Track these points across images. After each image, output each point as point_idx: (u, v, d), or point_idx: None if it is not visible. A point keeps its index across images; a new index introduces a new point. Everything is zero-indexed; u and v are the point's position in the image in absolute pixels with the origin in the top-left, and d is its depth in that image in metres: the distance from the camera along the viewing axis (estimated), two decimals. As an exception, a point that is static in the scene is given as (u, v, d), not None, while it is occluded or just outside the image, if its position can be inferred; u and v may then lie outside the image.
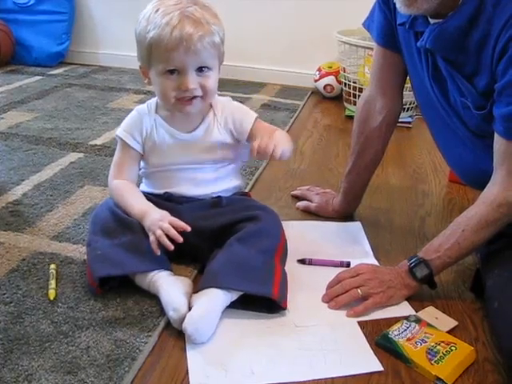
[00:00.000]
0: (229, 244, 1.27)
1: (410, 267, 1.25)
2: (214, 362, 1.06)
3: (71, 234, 1.47)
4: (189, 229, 1.22)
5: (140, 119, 1.36)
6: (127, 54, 3.22)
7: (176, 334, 1.12)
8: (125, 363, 1.03)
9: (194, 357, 1.07)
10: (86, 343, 1.08)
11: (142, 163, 1.41)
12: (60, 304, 1.19)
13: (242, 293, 1.20)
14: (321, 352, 1.10)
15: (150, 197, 1.36)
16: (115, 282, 1.23)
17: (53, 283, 1.24)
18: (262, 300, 1.19)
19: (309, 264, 1.38)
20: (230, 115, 1.37)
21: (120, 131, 1.37)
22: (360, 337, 1.15)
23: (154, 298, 1.20)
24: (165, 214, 1.25)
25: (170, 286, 1.18)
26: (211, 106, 1.37)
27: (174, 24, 1.20)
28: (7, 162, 1.91)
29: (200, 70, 1.26)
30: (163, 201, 1.36)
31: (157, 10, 1.23)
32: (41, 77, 3.11)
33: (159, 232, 1.20)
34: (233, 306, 1.18)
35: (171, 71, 1.25)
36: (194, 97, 1.27)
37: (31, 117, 2.40)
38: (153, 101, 1.38)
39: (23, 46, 3.32)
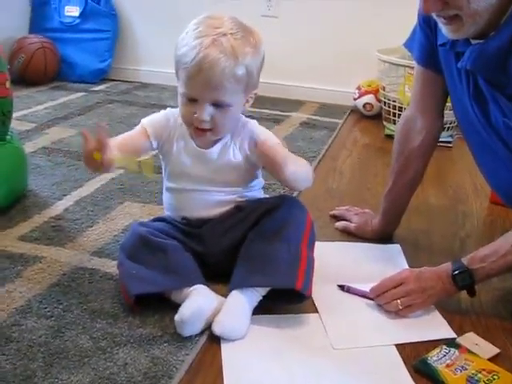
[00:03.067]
0: (249, 240, 1.28)
1: (454, 274, 1.23)
2: (249, 383, 1.05)
3: (111, 249, 1.49)
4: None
5: (167, 121, 1.36)
6: (168, 71, 3.24)
7: (213, 353, 1.13)
8: (162, 381, 1.04)
9: (230, 377, 1.06)
10: (123, 360, 1.09)
11: (164, 171, 1.41)
12: (99, 320, 1.21)
13: (268, 288, 1.21)
14: (358, 376, 1.09)
15: (171, 222, 1.38)
16: (152, 300, 1.24)
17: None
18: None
19: (347, 292, 1.35)
20: (247, 138, 1.34)
21: (146, 119, 1.37)
22: (398, 361, 1.13)
23: (191, 315, 1.21)
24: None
25: (197, 295, 1.19)
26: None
27: (200, 49, 1.19)
28: (50, 177, 1.96)
29: (217, 104, 1.24)
30: (183, 226, 1.37)
31: (196, 28, 1.23)
32: (84, 93, 3.18)
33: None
34: (265, 304, 1.22)
35: (189, 98, 1.25)
36: (204, 129, 1.27)
37: (74, 132, 2.45)
38: None
39: (67, 63, 3.40)
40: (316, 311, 1.27)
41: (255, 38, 1.27)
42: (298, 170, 1.25)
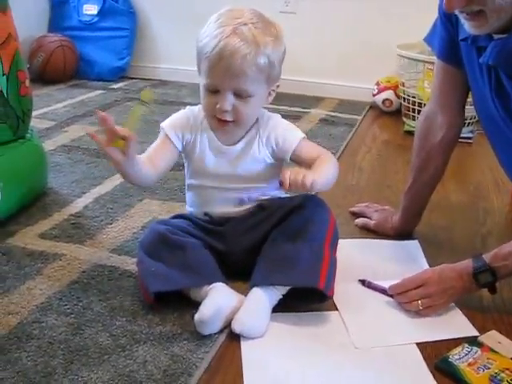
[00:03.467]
0: (272, 239, 1.28)
1: (475, 272, 1.22)
2: (270, 382, 1.05)
3: (130, 247, 1.49)
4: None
5: (188, 120, 1.35)
6: (186, 69, 3.27)
7: (233, 351, 1.12)
8: (181, 379, 1.04)
9: (250, 375, 1.06)
10: (143, 357, 1.09)
11: (186, 168, 1.41)
12: (118, 317, 1.21)
13: (289, 287, 1.20)
14: (379, 374, 1.08)
15: (192, 219, 1.37)
16: (171, 298, 1.24)
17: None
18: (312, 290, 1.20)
19: (367, 286, 1.35)
20: (273, 132, 1.34)
21: (165, 123, 1.36)
22: (419, 360, 1.12)
23: (210, 313, 1.20)
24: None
25: (217, 293, 1.19)
26: (257, 120, 1.35)
27: (221, 38, 1.19)
28: (70, 174, 1.97)
29: (239, 93, 1.23)
30: (204, 223, 1.36)
31: (217, 20, 1.23)
32: (102, 91, 3.20)
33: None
34: (285, 302, 1.22)
35: (211, 88, 1.24)
36: (227, 120, 1.26)
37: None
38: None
39: (86, 61, 3.42)
40: (336, 309, 1.26)
41: (276, 29, 1.27)
42: (320, 178, 1.21)
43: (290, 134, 1.35)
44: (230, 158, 1.34)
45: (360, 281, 1.36)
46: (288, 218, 1.30)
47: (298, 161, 1.35)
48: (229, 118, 1.26)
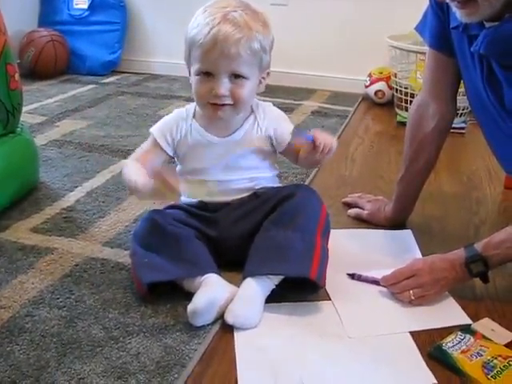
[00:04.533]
0: (264, 228, 1.27)
1: (467, 262, 1.22)
2: (264, 372, 1.05)
3: (123, 240, 1.49)
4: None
5: (176, 122, 1.36)
6: (178, 62, 3.21)
7: (226, 342, 1.12)
8: (174, 370, 1.04)
9: (243, 366, 1.06)
10: (136, 349, 1.09)
11: (179, 168, 1.41)
12: (111, 310, 1.20)
13: (281, 277, 1.20)
14: (372, 363, 1.07)
15: (186, 207, 1.37)
16: (164, 289, 1.24)
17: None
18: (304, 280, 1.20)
19: (357, 280, 1.34)
20: (272, 122, 1.36)
21: (155, 128, 1.37)
22: (413, 348, 1.12)
23: (203, 304, 1.20)
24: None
25: (210, 284, 1.19)
26: (252, 109, 1.35)
27: (214, 24, 1.20)
28: (61, 168, 1.96)
29: (234, 77, 1.24)
30: (198, 210, 1.36)
31: (204, 11, 1.24)
32: (94, 85, 3.18)
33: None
34: (278, 292, 1.22)
35: (206, 73, 1.24)
36: (224, 104, 1.26)
37: (84, 124, 2.46)
38: (192, 106, 1.38)
39: (77, 56, 3.40)
40: (328, 298, 1.26)
41: (264, 16, 1.29)
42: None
43: (286, 126, 1.36)
44: (226, 150, 1.34)
45: (349, 275, 1.35)
46: (279, 207, 1.29)
47: (288, 153, 1.37)
48: (227, 101, 1.25)
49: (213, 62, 1.22)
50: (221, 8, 1.23)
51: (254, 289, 1.19)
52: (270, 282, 1.21)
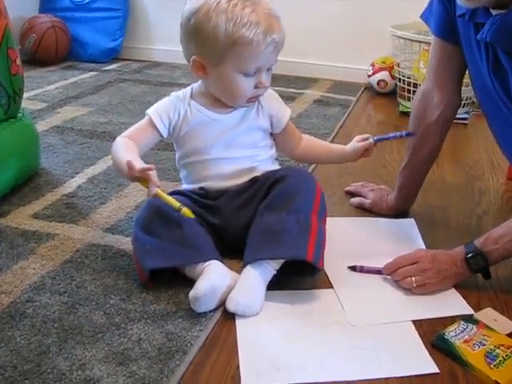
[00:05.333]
0: (259, 213, 1.27)
1: (467, 257, 1.22)
2: (265, 359, 1.04)
3: (124, 226, 1.48)
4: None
5: (174, 105, 1.34)
6: (179, 50, 3.21)
7: (228, 329, 1.12)
8: (176, 356, 1.03)
9: (245, 353, 1.06)
10: (137, 335, 1.08)
11: (178, 153, 1.40)
12: (112, 296, 1.20)
13: (281, 261, 1.20)
14: (374, 352, 1.07)
15: (187, 193, 1.36)
16: (165, 275, 1.23)
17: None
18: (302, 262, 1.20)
19: (360, 271, 1.32)
20: (273, 102, 1.39)
21: (150, 109, 1.35)
22: (415, 337, 1.11)
23: (205, 291, 1.19)
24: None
25: (212, 271, 1.18)
26: None
27: (266, 26, 1.21)
28: (62, 155, 1.95)
29: (270, 67, 1.28)
30: (199, 197, 1.35)
31: (235, 5, 1.21)
32: (95, 72, 3.17)
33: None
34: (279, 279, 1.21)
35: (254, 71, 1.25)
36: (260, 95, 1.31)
37: (86, 111, 2.44)
38: (188, 89, 1.37)
39: (79, 43, 3.39)
40: (331, 286, 1.26)
41: None
42: None
43: (284, 110, 1.41)
44: (227, 127, 1.34)
45: (350, 267, 1.33)
46: (272, 190, 1.29)
47: (282, 138, 1.42)
48: (264, 92, 1.31)
49: (267, 60, 1.25)
50: (254, 3, 1.22)
51: (254, 275, 1.18)
52: (269, 268, 1.20)
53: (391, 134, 1.47)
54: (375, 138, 1.44)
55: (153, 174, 1.14)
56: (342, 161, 1.53)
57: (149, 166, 1.15)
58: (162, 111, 1.34)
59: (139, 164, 1.16)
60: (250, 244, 1.24)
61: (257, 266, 1.19)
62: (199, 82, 1.37)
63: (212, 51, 1.24)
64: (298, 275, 1.24)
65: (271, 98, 1.38)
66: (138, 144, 1.30)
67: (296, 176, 1.31)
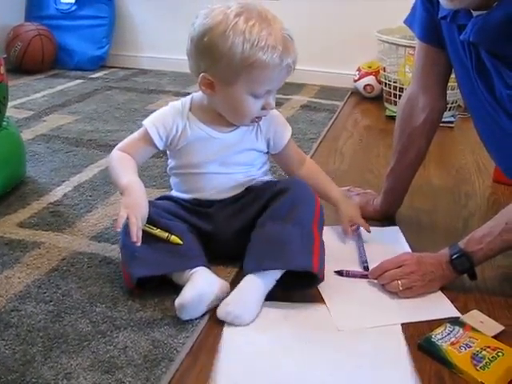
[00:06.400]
0: (261, 224, 1.26)
1: (452, 259, 1.23)
2: (243, 370, 1.03)
3: (110, 234, 1.48)
4: (138, 243, 1.17)
5: (172, 117, 1.31)
6: (166, 57, 3.24)
7: (214, 336, 1.11)
8: (162, 364, 1.03)
9: (224, 361, 1.04)
10: (123, 343, 1.08)
11: (172, 163, 1.39)
12: (98, 304, 1.19)
13: (282, 271, 1.19)
14: (361, 357, 1.07)
15: (178, 201, 1.35)
16: (153, 283, 1.23)
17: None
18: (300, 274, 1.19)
19: (346, 276, 1.32)
20: (272, 124, 1.36)
21: (147, 121, 1.32)
22: (401, 340, 1.11)
23: (191, 298, 1.19)
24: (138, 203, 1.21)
25: (199, 277, 1.17)
26: None
27: (283, 50, 1.20)
28: (49, 163, 1.94)
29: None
30: (191, 205, 1.34)
31: (253, 25, 1.18)
32: (82, 80, 3.16)
33: (132, 221, 1.16)
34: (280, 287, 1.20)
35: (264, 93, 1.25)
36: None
37: (72, 119, 2.44)
38: (187, 100, 1.34)
39: (65, 51, 3.37)
40: (318, 292, 1.25)
41: None
42: None
43: (284, 130, 1.39)
44: (226, 145, 1.32)
45: (336, 272, 1.33)
46: (274, 201, 1.27)
47: (281, 158, 1.42)
48: (268, 113, 1.30)
49: (279, 82, 1.26)
50: (270, 25, 1.21)
51: (257, 285, 1.17)
52: (270, 278, 1.19)
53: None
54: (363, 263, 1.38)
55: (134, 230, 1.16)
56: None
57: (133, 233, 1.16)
58: (159, 123, 1.31)
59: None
60: (251, 253, 1.23)
61: (258, 275, 1.18)
62: (200, 93, 1.32)
63: (225, 71, 1.20)
64: (296, 287, 1.23)
65: (272, 121, 1.35)
66: (133, 157, 1.30)
67: (298, 188, 1.30)
